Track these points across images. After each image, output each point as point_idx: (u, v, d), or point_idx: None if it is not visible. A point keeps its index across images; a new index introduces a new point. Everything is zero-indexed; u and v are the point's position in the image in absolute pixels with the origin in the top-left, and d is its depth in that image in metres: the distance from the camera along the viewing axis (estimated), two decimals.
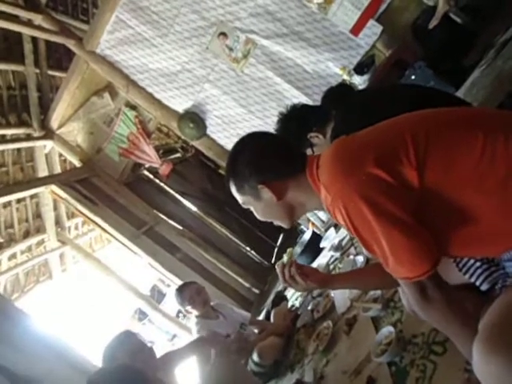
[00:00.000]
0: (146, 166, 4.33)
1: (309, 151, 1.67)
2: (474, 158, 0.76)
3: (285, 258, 1.31)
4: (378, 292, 1.55)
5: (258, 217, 1.07)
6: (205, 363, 1.88)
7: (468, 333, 0.76)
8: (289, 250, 1.35)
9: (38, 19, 3.18)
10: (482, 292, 0.91)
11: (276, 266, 1.31)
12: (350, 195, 0.77)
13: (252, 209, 1.05)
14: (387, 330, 1.28)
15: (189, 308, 2.28)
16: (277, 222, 1.07)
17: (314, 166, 0.93)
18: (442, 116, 0.89)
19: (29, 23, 3.25)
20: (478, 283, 0.90)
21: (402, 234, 0.76)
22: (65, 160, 4.32)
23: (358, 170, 0.78)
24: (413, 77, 2.43)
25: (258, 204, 1.01)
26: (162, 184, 4.71)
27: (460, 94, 2.28)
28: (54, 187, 3.71)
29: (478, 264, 0.90)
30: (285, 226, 1.07)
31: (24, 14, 3.14)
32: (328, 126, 1.67)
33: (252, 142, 1.05)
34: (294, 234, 4.29)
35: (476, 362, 0.66)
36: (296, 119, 1.69)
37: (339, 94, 1.86)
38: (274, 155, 1.00)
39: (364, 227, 0.78)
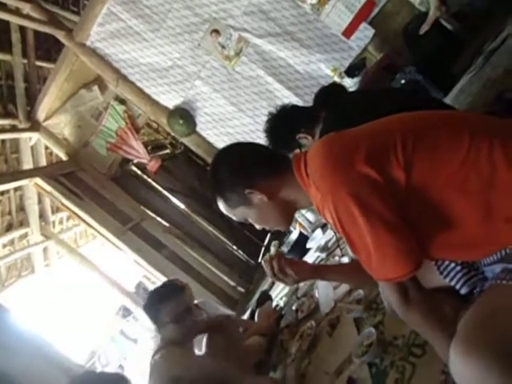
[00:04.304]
0: (134, 161, 4.29)
1: (297, 152, 1.67)
2: (458, 159, 0.77)
3: (272, 250, 1.27)
4: (362, 293, 1.56)
5: (257, 225, 1.06)
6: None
7: (446, 335, 0.76)
8: (274, 242, 1.31)
9: (26, 8, 3.11)
10: (461, 296, 0.92)
11: (263, 261, 1.27)
12: (340, 193, 0.78)
13: (249, 220, 1.05)
14: (369, 331, 1.29)
15: None
16: (275, 226, 1.07)
17: (302, 162, 0.93)
18: (430, 117, 0.90)
19: (17, 12, 3.18)
20: (457, 287, 0.91)
21: (387, 233, 0.76)
22: (51, 153, 4.25)
23: (348, 168, 0.79)
24: (402, 81, 2.45)
25: (252, 211, 1.01)
26: (149, 180, 4.67)
27: (448, 100, 2.31)
28: (38, 180, 3.66)
29: (458, 268, 0.91)
30: (283, 228, 1.07)
31: (12, 2, 3.07)
32: (317, 127, 1.68)
33: (227, 152, 1.05)
34: (280, 233, 4.29)
35: (453, 362, 0.66)
36: (285, 119, 1.70)
37: (330, 95, 1.87)
38: (253, 158, 1.01)
39: (351, 225, 0.78)
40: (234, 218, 1.05)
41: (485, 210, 0.76)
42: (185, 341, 1.71)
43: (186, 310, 1.74)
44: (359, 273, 1.20)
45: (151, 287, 2.05)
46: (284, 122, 1.69)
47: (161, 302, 1.70)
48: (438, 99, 1.97)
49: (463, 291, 0.90)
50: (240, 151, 1.05)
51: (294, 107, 1.80)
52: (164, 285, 1.89)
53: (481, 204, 0.76)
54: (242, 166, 0.99)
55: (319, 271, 1.32)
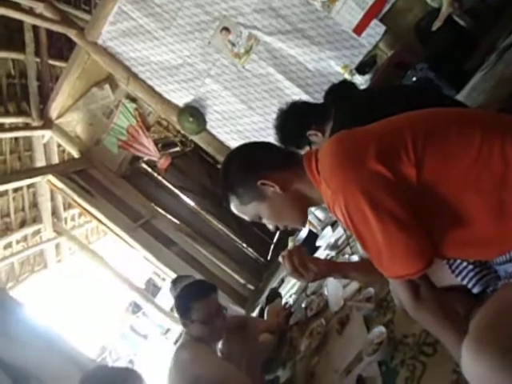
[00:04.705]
0: (145, 158, 4.32)
1: (307, 149, 1.67)
2: (470, 156, 0.76)
3: (290, 244, 1.25)
4: (372, 292, 1.55)
5: (270, 223, 1.03)
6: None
7: (458, 334, 0.76)
8: (291, 237, 1.29)
9: (39, 7, 3.16)
10: (473, 295, 0.91)
11: (281, 256, 1.22)
12: (350, 190, 0.77)
13: (262, 216, 1.02)
14: (379, 329, 1.28)
15: None
16: (289, 222, 1.04)
17: (313, 159, 0.93)
18: (441, 114, 0.89)
19: (30, 11, 3.22)
20: (469, 286, 0.90)
21: (398, 231, 0.76)
22: (63, 150, 4.31)
23: (359, 165, 0.78)
24: (414, 78, 2.43)
25: (265, 206, 0.98)
26: (159, 178, 4.71)
27: (461, 97, 2.27)
28: (51, 177, 3.71)
29: (470, 267, 0.90)
30: (298, 224, 1.04)
31: (25, 2, 3.11)
32: (327, 124, 1.67)
33: (238, 151, 1.06)
34: (290, 231, 4.29)
35: (465, 361, 0.65)
36: (295, 116, 1.69)
37: (340, 92, 1.86)
38: (264, 152, 1.02)
39: (362, 222, 0.78)
40: (246, 217, 1.03)
41: (497, 209, 0.75)
42: (210, 341, 1.72)
43: (216, 311, 1.74)
44: (375, 270, 1.20)
45: (183, 282, 2.03)
46: (294, 119, 1.69)
47: (194, 300, 1.70)
48: (450, 97, 1.94)
49: (475, 290, 0.90)
50: (250, 148, 1.06)
51: (304, 104, 1.80)
52: (199, 282, 1.88)
53: (493, 202, 0.75)
54: (253, 161, 0.99)
55: (336, 267, 1.32)
